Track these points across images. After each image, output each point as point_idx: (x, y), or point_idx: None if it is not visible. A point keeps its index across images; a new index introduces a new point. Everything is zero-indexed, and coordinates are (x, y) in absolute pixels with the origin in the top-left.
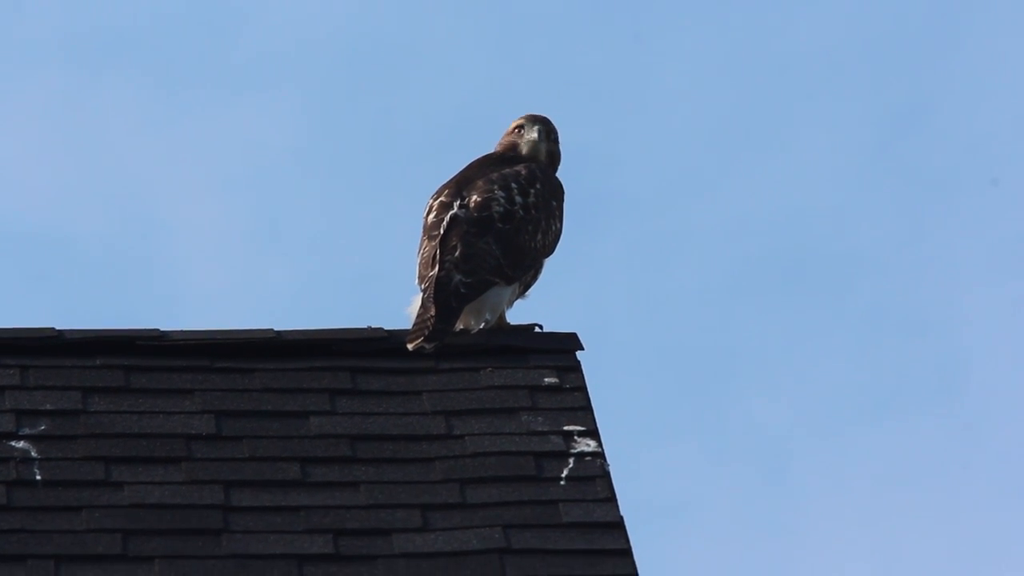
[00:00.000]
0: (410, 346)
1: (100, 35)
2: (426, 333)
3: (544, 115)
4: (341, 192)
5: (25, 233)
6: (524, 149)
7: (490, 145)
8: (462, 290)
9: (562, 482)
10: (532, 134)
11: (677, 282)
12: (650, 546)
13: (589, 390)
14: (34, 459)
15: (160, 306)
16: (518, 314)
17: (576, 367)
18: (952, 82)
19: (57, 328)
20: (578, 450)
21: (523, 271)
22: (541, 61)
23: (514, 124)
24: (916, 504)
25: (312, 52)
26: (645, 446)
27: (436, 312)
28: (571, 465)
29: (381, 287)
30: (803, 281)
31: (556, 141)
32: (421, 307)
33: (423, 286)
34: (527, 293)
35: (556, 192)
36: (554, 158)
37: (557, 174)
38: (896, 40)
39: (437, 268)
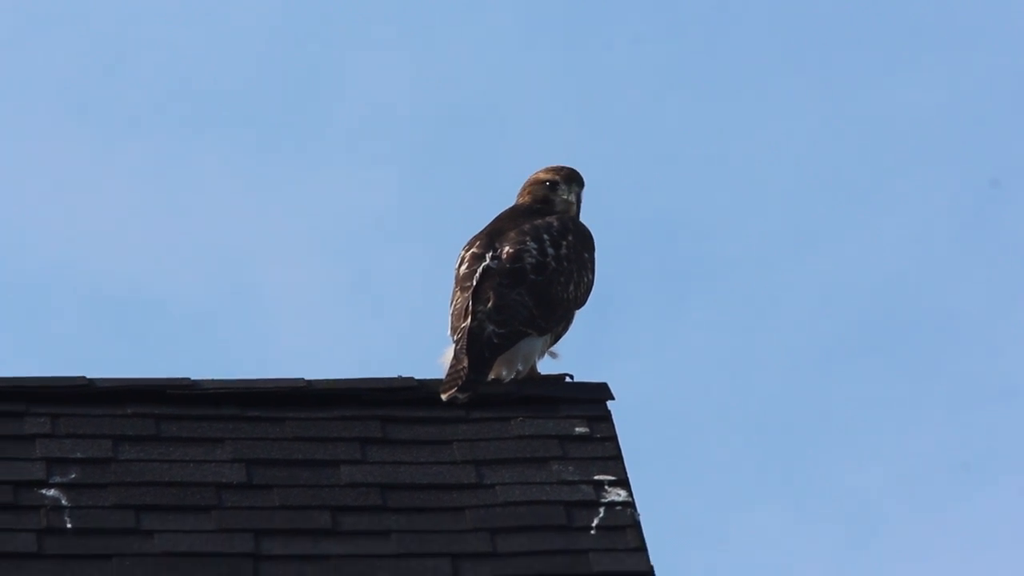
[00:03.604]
0: (444, 396)
1: (196, 99)
2: (459, 384)
3: (572, 168)
4: (432, 255)
5: (120, 295)
6: (559, 207)
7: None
8: (495, 341)
9: (592, 531)
10: (570, 196)
11: (769, 347)
12: None
13: (682, 449)
14: (64, 507)
15: (245, 364)
16: (558, 365)
17: (607, 416)
18: None
19: (88, 377)
20: (608, 499)
21: (555, 322)
22: (632, 125)
23: (543, 177)
24: (1008, 572)
25: (407, 117)
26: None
27: (469, 363)
28: (601, 515)
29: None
30: (896, 347)
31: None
32: (454, 358)
33: (455, 337)
34: (555, 351)
35: (587, 243)
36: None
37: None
38: (990, 105)
39: (470, 319)
